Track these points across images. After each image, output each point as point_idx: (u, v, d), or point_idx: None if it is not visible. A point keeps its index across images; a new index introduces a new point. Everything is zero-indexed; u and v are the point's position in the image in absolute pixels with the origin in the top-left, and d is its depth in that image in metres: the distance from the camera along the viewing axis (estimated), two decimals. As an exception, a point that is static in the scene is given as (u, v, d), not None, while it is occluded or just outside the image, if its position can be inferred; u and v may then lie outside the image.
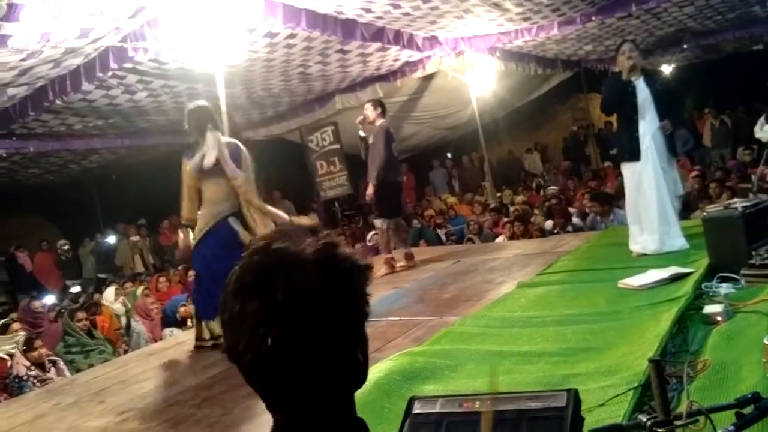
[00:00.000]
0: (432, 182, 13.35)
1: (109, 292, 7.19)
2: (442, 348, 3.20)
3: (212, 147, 4.07)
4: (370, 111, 5.90)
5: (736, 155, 9.83)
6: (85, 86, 6.09)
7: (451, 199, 11.62)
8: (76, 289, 9.82)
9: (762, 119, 5.71)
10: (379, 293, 4.97)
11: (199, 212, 4.21)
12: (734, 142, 10.46)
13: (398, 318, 4.10)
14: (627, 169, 4.65)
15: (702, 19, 9.36)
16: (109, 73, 5.90)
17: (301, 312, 0.83)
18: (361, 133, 6.09)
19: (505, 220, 8.12)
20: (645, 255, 4.42)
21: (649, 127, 4.49)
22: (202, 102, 4.38)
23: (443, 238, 8.87)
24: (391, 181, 5.85)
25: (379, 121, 5.85)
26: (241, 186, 4.09)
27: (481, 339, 3.28)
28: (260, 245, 0.90)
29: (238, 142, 4.38)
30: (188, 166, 4.17)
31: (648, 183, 4.47)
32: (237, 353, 0.85)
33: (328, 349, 0.86)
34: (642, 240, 4.53)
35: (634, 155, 4.53)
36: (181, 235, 4.44)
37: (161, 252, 11.36)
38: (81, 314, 5.93)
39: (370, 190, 5.83)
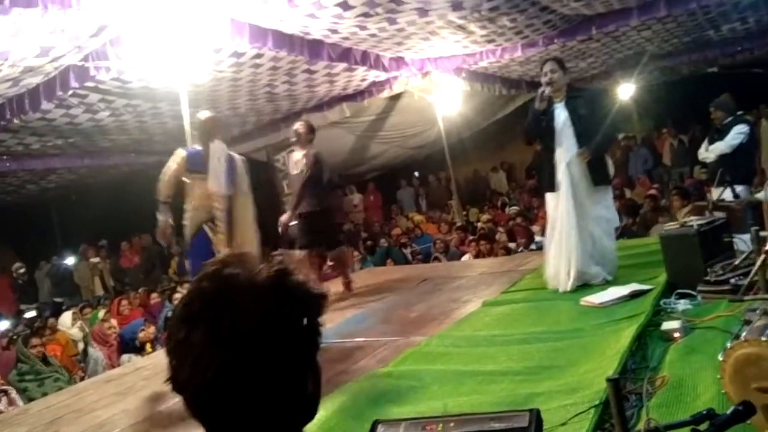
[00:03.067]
0: (399, 201, 13.42)
1: (66, 317, 6.98)
2: (407, 369, 3.19)
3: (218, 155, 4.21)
4: (304, 132, 5.52)
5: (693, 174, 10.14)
6: (45, 105, 5.97)
7: (418, 217, 11.67)
8: (31, 314, 9.49)
9: (705, 142, 5.94)
10: (345, 314, 4.94)
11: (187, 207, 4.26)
12: (692, 161, 10.80)
13: (364, 339, 4.07)
14: (547, 200, 4.38)
15: (659, 42, 9.69)
16: (70, 92, 5.80)
17: (247, 340, 0.81)
18: (297, 155, 5.59)
19: (471, 238, 8.19)
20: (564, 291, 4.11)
21: (565, 155, 4.16)
22: (208, 113, 4.54)
23: (409, 257, 8.89)
24: (325, 209, 5.58)
25: (309, 146, 5.53)
26: (217, 200, 4.18)
27: (447, 359, 3.28)
28: (210, 270, 0.87)
29: (238, 157, 4.46)
30: (183, 155, 4.33)
31: (563, 215, 4.14)
32: (180, 382, 0.83)
33: (276, 380, 0.83)
34: (557, 276, 4.18)
35: (551, 185, 4.22)
36: (161, 217, 4.33)
37: (121, 274, 11.10)
38: (35, 340, 5.73)
39: (285, 217, 5.50)
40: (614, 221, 4.51)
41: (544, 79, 4.18)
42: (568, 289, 4.06)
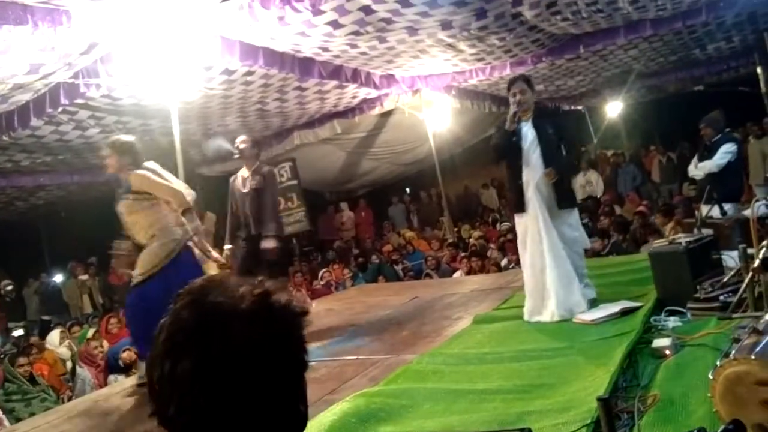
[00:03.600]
0: (391, 217, 13.42)
1: (54, 336, 6.88)
2: (398, 387, 3.17)
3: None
4: (247, 147, 5.10)
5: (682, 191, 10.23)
6: (34, 122, 5.94)
7: (410, 234, 11.68)
8: (18, 332, 9.36)
9: (695, 159, 5.99)
10: (336, 331, 4.92)
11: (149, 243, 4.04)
12: (681, 178, 10.91)
13: (355, 357, 4.05)
14: (516, 222, 4.28)
15: (646, 61, 9.83)
16: (60, 109, 5.78)
17: (238, 369, 0.79)
18: (245, 173, 5.18)
19: (463, 255, 8.20)
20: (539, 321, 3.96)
21: (532, 175, 4.07)
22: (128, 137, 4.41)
23: (401, 273, 8.87)
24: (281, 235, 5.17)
25: (258, 162, 5.13)
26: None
27: (438, 377, 3.26)
28: (189, 299, 0.85)
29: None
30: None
31: (532, 238, 4.04)
32: (168, 417, 0.80)
33: (269, 405, 0.82)
34: (529, 304, 4.07)
35: (519, 206, 4.15)
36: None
37: (111, 292, 10.99)
38: (23, 359, 5.64)
39: (272, 243, 4.93)
40: (584, 242, 4.40)
41: (512, 99, 4.13)
42: (550, 320, 3.87)
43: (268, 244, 4.91)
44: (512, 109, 4.08)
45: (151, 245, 4.01)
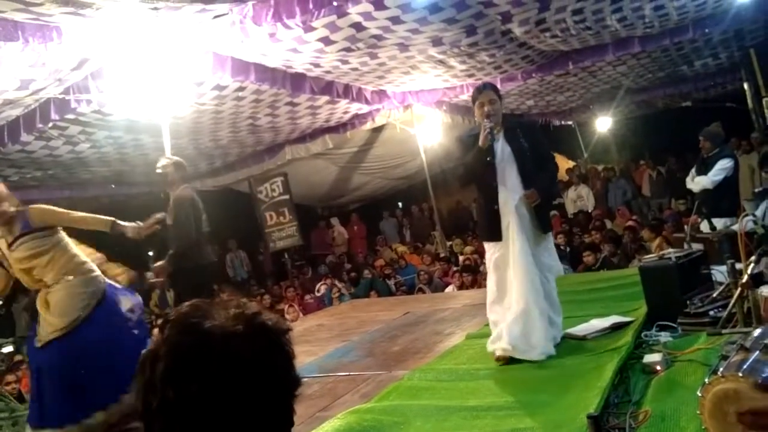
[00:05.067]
0: (383, 232, 13.41)
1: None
2: (390, 404, 3.15)
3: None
4: (171, 170, 4.65)
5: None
6: (24, 137, 5.93)
7: (402, 248, 11.67)
8: (7, 348, 9.24)
9: (693, 171, 6.01)
10: (328, 347, 4.90)
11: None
12: (671, 193, 10.99)
13: (347, 373, 4.03)
14: (487, 249, 3.73)
15: (635, 77, 9.96)
16: (50, 124, 5.77)
17: (241, 389, 0.81)
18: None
19: (455, 269, 8.19)
20: (507, 358, 3.50)
21: (511, 196, 3.58)
22: None
23: (393, 288, 8.85)
24: (201, 264, 4.63)
25: (181, 186, 4.66)
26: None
27: (430, 394, 3.25)
28: (183, 326, 0.85)
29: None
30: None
31: (512, 268, 3.54)
32: None
33: (269, 421, 0.84)
34: (502, 339, 3.55)
35: (494, 233, 3.60)
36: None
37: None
38: (10, 377, 5.56)
39: (158, 265, 4.57)
40: (558, 269, 4.02)
41: (481, 111, 3.62)
42: (536, 358, 3.42)
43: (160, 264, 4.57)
44: (485, 123, 3.54)
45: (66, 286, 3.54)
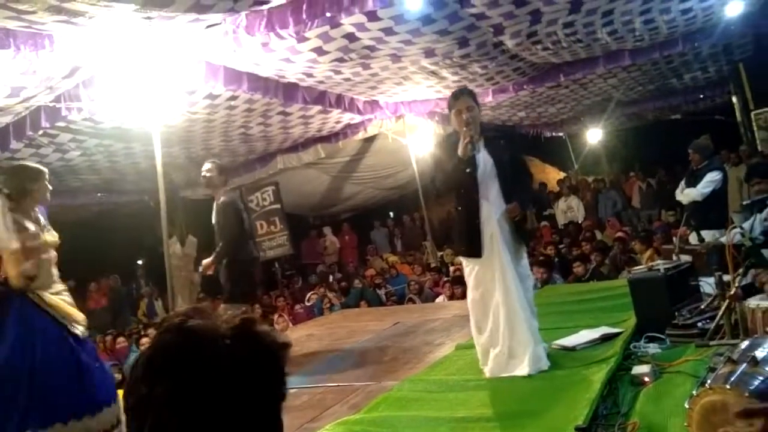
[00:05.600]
0: (374, 241, 13.41)
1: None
2: (379, 415, 3.14)
3: None
4: (215, 174, 5.03)
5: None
6: (14, 145, 5.89)
7: (393, 258, 11.67)
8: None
9: (682, 183, 6.07)
10: (318, 357, 4.88)
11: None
12: (660, 204, 11.07)
13: (336, 384, 4.01)
14: (467, 266, 3.58)
15: (625, 90, 10.06)
16: (40, 132, 5.74)
17: (214, 394, 0.80)
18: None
19: (445, 279, 8.19)
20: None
21: (494, 211, 3.42)
22: None
23: (384, 298, 8.84)
24: (241, 260, 5.01)
25: (223, 190, 5.08)
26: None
27: (419, 405, 3.24)
28: (173, 323, 0.86)
29: None
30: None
31: (495, 285, 3.41)
32: None
33: (251, 430, 0.82)
34: (490, 357, 3.48)
35: (475, 249, 3.43)
36: None
37: (88, 317, 10.77)
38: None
39: (207, 262, 4.98)
40: (532, 279, 3.89)
41: (459, 119, 3.43)
42: (526, 374, 3.34)
43: (207, 261, 4.98)
44: (466, 133, 3.36)
45: None
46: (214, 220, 5.07)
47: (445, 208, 14.57)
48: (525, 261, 3.64)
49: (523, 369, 3.36)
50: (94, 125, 6.18)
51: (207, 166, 5.10)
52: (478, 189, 3.44)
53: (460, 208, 3.57)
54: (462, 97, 3.49)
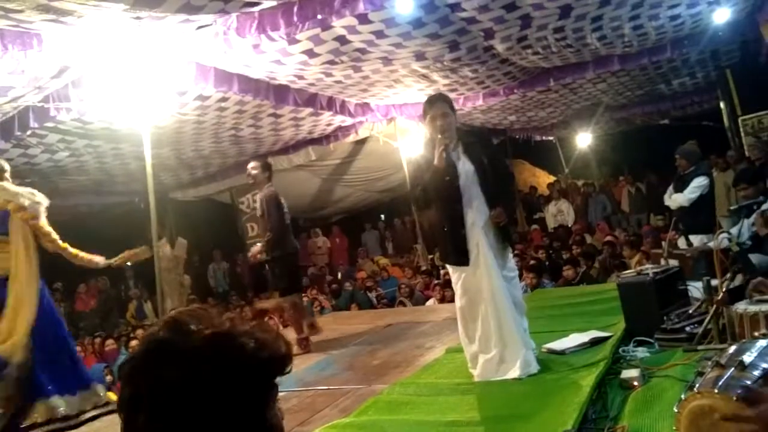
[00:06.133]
0: (365, 244, 13.40)
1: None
2: (369, 419, 3.13)
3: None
4: (258, 171, 5.32)
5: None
6: (2, 145, 5.83)
7: (384, 260, 11.67)
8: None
9: (670, 188, 6.11)
10: (308, 360, 4.87)
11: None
12: (649, 208, 11.15)
13: (326, 387, 4.00)
14: (453, 273, 3.55)
15: (614, 95, 10.14)
16: (29, 132, 5.69)
17: (168, 406, 0.80)
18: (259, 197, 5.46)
19: (436, 282, 8.20)
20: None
21: (478, 218, 3.36)
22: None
23: (374, 300, 8.83)
24: (288, 253, 5.29)
25: (266, 186, 5.32)
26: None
27: (409, 408, 3.24)
28: (148, 332, 0.88)
29: None
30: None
31: (488, 292, 3.37)
32: None
33: None
34: (479, 362, 3.47)
35: (461, 257, 3.39)
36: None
37: (77, 319, 10.69)
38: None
39: (256, 248, 5.33)
40: (518, 286, 3.75)
41: (433, 125, 3.38)
42: (516, 376, 3.34)
43: (255, 249, 5.35)
44: (440, 140, 3.30)
45: None
46: (258, 213, 5.47)
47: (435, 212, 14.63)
48: (511, 263, 3.62)
49: (513, 372, 3.36)
50: (83, 126, 6.14)
51: (252, 164, 5.42)
52: (461, 197, 3.38)
53: (443, 216, 3.48)
54: (437, 103, 3.42)
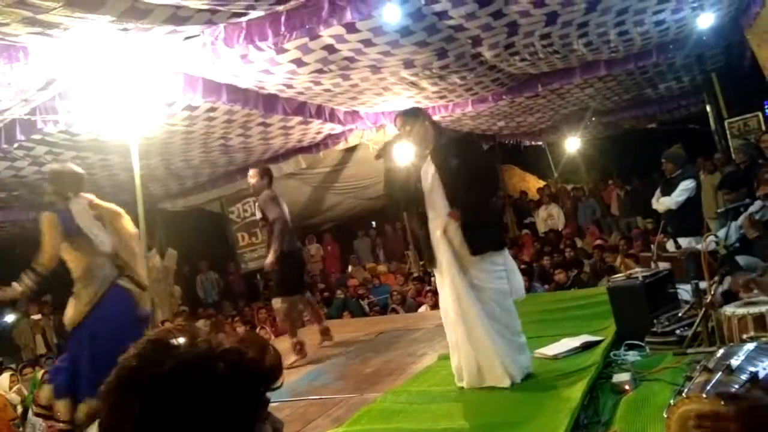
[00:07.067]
0: (356, 251, 13.38)
1: (3, 379, 6.57)
2: (362, 428, 3.13)
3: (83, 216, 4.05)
4: (256, 178, 5.41)
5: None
6: (-12, 158, 5.80)
7: (381, 268, 11.64)
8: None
9: (658, 191, 6.15)
10: (300, 370, 4.85)
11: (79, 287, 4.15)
12: (638, 212, 11.21)
13: (319, 397, 3.99)
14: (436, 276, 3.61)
15: (601, 99, 10.21)
16: (16, 145, 5.65)
17: (170, 415, 0.79)
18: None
19: (428, 288, 8.20)
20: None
21: (441, 222, 3.36)
22: (70, 166, 4.34)
23: (367, 308, 8.82)
24: (291, 250, 5.30)
25: (266, 191, 5.39)
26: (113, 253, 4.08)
27: (402, 416, 3.23)
28: (128, 356, 0.85)
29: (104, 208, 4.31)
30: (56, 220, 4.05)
31: (453, 298, 3.34)
32: None
33: None
34: (464, 376, 3.43)
35: (431, 260, 3.42)
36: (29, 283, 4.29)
37: (66, 332, 10.58)
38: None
39: (270, 257, 5.20)
40: (515, 291, 3.50)
41: (405, 134, 3.50)
42: (501, 386, 3.28)
43: (270, 258, 5.22)
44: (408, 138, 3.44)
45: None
46: (259, 217, 5.58)
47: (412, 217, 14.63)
48: (498, 274, 3.38)
49: (495, 382, 3.31)
50: (70, 137, 6.10)
51: (250, 172, 5.53)
52: (425, 201, 3.43)
53: (414, 222, 3.66)
54: (397, 119, 3.56)
